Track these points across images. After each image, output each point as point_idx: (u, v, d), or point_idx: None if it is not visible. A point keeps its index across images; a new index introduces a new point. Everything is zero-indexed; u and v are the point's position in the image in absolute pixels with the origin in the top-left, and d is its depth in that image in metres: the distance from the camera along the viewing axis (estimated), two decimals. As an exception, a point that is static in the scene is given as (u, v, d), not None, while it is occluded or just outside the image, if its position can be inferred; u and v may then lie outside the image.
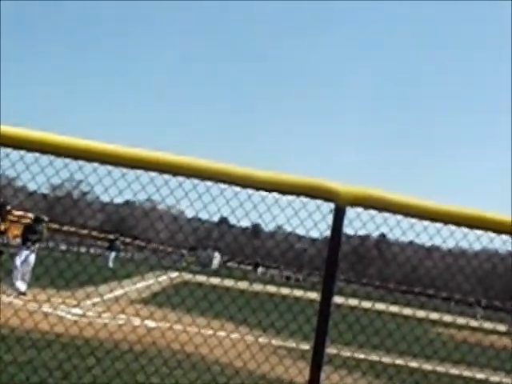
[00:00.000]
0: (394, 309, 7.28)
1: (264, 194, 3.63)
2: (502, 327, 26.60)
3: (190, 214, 4.13)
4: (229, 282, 7.23)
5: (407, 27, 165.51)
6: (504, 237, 4.09)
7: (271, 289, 8.39)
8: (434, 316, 7.48)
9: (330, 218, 3.57)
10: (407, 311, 8.76)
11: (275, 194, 3.63)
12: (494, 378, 9.60)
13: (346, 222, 3.58)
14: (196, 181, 3.69)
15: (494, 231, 3.99)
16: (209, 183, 3.68)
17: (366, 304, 5.18)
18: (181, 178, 3.70)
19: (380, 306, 6.16)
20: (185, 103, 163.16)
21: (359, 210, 3.64)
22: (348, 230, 3.59)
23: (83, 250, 43.52)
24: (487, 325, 24.68)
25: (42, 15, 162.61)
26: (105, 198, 4.22)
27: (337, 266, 3.53)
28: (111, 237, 40.03)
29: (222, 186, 3.63)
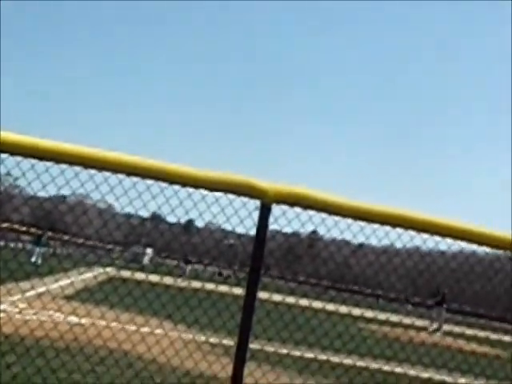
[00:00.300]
0: (319, 305, 7.42)
1: (191, 190, 3.64)
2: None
3: (127, 210, 4.10)
4: (162, 279, 7.19)
5: (407, 26, 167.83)
6: (437, 238, 4.23)
7: (197, 284, 8.39)
8: (357, 312, 7.69)
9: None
10: (332, 307, 8.93)
11: (202, 191, 3.64)
12: (401, 370, 9.92)
13: (272, 218, 3.64)
14: (135, 178, 3.66)
15: (427, 232, 4.13)
16: (149, 181, 3.66)
17: (291, 300, 5.27)
18: (121, 176, 3.66)
19: (305, 302, 6.26)
20: (181, 103, 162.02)
21: (285, 207, 3.70)
22: (274, 226, 3.64)
23: (2, 243, 42.13)
24: (417, 322, 25.41)
25: (41, 14, 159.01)
26: (39, 193, 4.12)
27: (261, 262, 3.57)
28: (39, 232, 38.94)
29: (151, 182, 3.61)
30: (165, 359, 6.63)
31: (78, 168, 3.68)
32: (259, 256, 3.57)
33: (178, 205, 3.63)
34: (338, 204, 3.77)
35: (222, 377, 4.44)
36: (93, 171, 3.69)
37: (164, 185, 3.61)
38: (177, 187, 3.62)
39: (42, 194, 4.13)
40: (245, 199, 3.64)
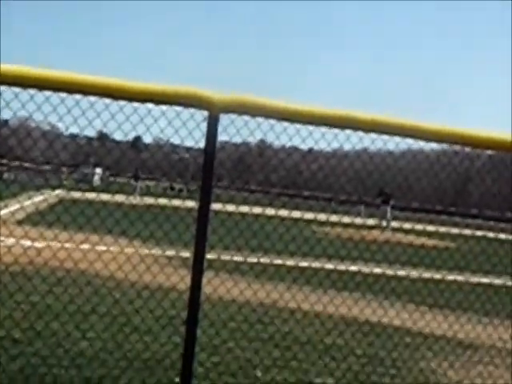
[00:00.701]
0: (272, 212, 7.51)
1: (136, 105, 3.55)
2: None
3: (72, 130, 4.00)
4: (113, 197, 7.13)
5: None
6: (373, 135, 4.25)
7: (150, 200, 8.36)
8: (310, 215, 7.79)
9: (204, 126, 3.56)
10: (285, 213, 9.05)
11: (148, 105, 3.56)
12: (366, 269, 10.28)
13: (221, 129, 3.60)
14: (78, 96, 3.53)
15: (365, 131, 4.14)
16: (92, 99, 3.55)
17: (245, 208, 5.30)
18: (63, 94, 3.53)
19: (258, 210, 6.34)
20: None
21: (233, 116, 3.66)
22: (223, 137, 3.60)
23: None
24: (368, 221, 26.06)
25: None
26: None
27: (212, 172, 3.55)
28: None
29: (95, 99, 3.50)
30: (122, 275, 6.68)
31: (17, 89, 3.53)
32: (210, 166, 3.55)
33: (124, 121, 3.54)
34: (286, 109, 3.74)
35: (181, 288, 4.50)
36: (33, 91, 3.55)
37: (108, 101, 3.51)
38: (122, 102, 3.53)
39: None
40: (192, 111, 3.58)
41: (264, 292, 6.89)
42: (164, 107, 3.57)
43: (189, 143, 3.88)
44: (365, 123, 4.09)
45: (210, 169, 3.54)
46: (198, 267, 3.56)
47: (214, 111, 3.54)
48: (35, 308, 6.49)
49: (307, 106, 3.88)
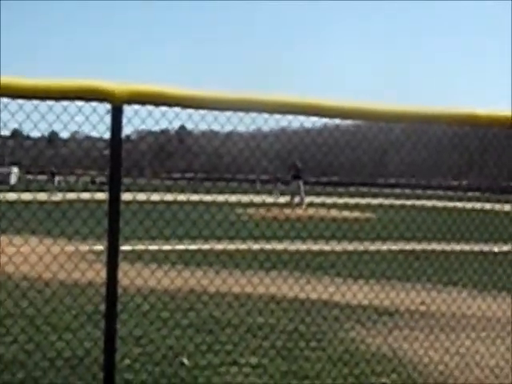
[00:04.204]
0: (196, 197, 7.55)
1: (36, 102, 3.53)
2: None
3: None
4: (29, 196, 7.02)
5: None
6: (289, 117, 4.34)
7: (72, 196, 8.23)
8: (232, 198, 7.91)
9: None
10: (209, 198, 9.11)
11: (49, 102, 3.55)
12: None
13: (125, 120, 3.62)
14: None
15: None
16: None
17: (155, 197, 5.33)
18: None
19: (169, 197, 6.37)
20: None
21: (137, 107, 3.69)
22: (127, 129, 3.63)
23: None
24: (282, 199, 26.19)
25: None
26: None
27: (120, 164, 3.58)
28: None
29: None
30: (50, 274, 6.60)
31: None
32: (117, 157, 3.57)
33: (25, 119, 3.52)
34: (190, 96, 3.80)
35: (99, 282, 4.52)
36: None
37: (5, 100, 3.48)
38: (21, 101, 3.51)
39: None
40: (95, 104, 3.60)
41: (194, 279, 6.95)
42: (66, 103, 3.57)
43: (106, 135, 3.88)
44: (281, 105, 4.17)
45: (118, 160, 3.57)
46: (112, 261, 3.59)
47: (117, 103, 3.56)
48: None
49: (213, 91, 3.93)
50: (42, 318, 6.44)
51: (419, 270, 8.56)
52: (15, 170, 46.55)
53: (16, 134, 5.99)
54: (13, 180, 45.42)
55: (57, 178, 38.47)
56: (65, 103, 3.63)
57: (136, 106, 3.67)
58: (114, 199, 3.59)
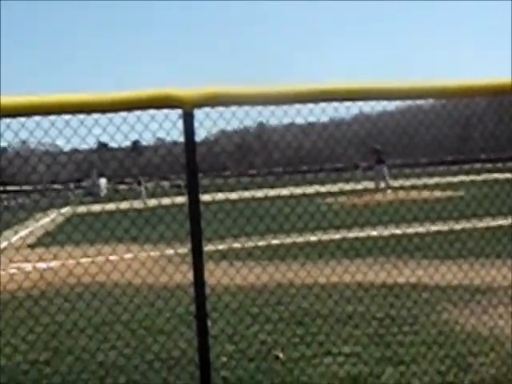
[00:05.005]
0: (273, 192, 7.61)
1: (111, 115, 3.65)
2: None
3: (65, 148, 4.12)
4: (118, 206, 7.23)
5: None
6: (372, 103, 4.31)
7: (155, 202, 8.45)
8: (311, 190, 7.89)
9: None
10: (286, 192, 9.14)
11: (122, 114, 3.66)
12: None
13: (197, 124, 3.69)
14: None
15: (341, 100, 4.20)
16: (66, 117, 3.65)
17: (233, 195, 5.40)
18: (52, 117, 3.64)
19: (256, 194, 6.42)
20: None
21: (207, 110, 3.76)
22: (200, 131, 3.70)
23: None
24: (369, 185, 25.92)
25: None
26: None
27: (196, 168, 3.65)
28: None
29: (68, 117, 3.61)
30: (139, 280, 6.79)
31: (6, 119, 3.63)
32: (192, 161, 3.64)
33: (101, 133, 3.65)
34: (256, 93, 3.83)
35: (185, 284, 4.62)
36: (23, 119, 3.66)
37: (82, 117, 3.62)
38: (96, 115, 3.63)
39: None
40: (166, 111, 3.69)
41: (280, 273, 6.99)
42: (138, 112, 3.67)
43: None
44: (363, 91, 4.15)
45: (194, 164, 3.64)
46: (197, 262, 3.66)
47: (187, 108, 3.63)
48: (62, 327, 6.62)
49: (275, 86, 3.94)
50: (137, 322, 6.63)
51: (508, 246, 8.31)
52: (103, 181, 47.94)
53: (101, 146, 6.18)
54: (103, 192, 46.72)
55: (143, 186, 39.26)
56: (137, 113, 3.73)
57: (207, 109, 3.73)
58: (194, 201, 3.66)
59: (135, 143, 5.69)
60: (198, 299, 3.70)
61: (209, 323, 3.79)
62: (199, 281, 3.66)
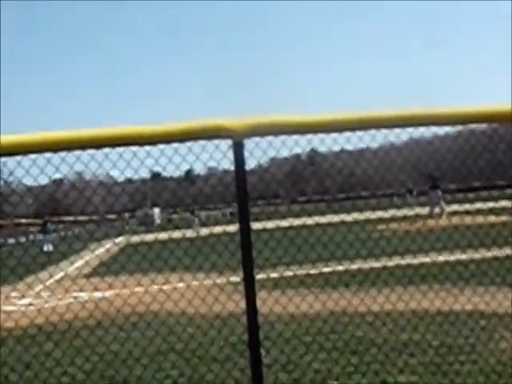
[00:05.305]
0: (323, 220, 7.59)
1: (162, 146, 3.73)
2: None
3: (119, 179, 4.24)
4: (173, 234, 7.33)
5: None
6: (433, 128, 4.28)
7: (207, 231, 8.52)
8: (362, 216, 7.83)
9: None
10: (337, 218, 9.10)
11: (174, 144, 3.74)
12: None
13: (247, 153, 3.74)
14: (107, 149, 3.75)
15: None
16: (120, 149, 3.75)
17: (284, 223, 5.41)
18: (91, 151, 3.75)
19: (310, 221, 6.41)
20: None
21: (257, 139, 3.81)
22: (250, 161, 3.75)
23: (12, 241, 42.01)
24: (422, 211, 25.58)
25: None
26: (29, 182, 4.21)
27: (247, 196, 3.69)
28: (40, 221, 38.90)
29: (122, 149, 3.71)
30: (193, 309, 6.84)
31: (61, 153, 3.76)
32: (243, 190, 3.69)
33: (154, 164, 3.73)
34: (301, 121, 3.86)
35: (238, 312, 4.64)
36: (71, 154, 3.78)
37: (135, 148, 3.71)
38: (148, 147, 3.72)
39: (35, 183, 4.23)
40: (217, 141, 3.75)
41: (332, 301, 6.94)
42: (189, 143, 3.75)
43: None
44: (411, 118, 4.16)
45: (244, 192, 3.68)
46: (249, 291, 3.68)
47: (237, 138, 3.69)
48: (117, 356, 6.71)
49: (329, 114, 3.97)
50: (190, 351, 6.66)
51: None
52: (157, 211, 48.71)
53: (155, 176, 6.30)
54: (157, 221, 47.50)
55: (196, 215, 39.65)
56: (188, 144, 3.81)
57: (257, 139, 3.78)
58: (245, 229, 3.69)
59: (188, 173, 5.78)
60: (250, 328, 3.71)
61: (262, 352, 3.79)
62: (251, 309, 3.67)
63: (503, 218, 16.03)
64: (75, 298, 10.16)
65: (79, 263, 15.30)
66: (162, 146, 3.73)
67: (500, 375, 5.51)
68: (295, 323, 7.57)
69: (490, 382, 5.38)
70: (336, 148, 4.24)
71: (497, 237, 8.38)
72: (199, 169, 3.95)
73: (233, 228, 5.14)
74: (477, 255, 9.58)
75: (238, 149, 3.71)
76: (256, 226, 4.02)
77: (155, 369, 6.39)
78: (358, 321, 7.62)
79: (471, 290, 7.33)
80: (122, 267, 7.33)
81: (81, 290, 8.25)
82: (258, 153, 3.82)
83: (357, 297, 6.92)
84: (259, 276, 3.87)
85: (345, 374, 5.97)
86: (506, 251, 9.95)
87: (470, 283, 8.31)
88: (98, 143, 3.68)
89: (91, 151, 3.76)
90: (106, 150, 3.75)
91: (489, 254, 10.22)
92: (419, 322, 7.21)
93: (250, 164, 3.79)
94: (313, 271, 9.46)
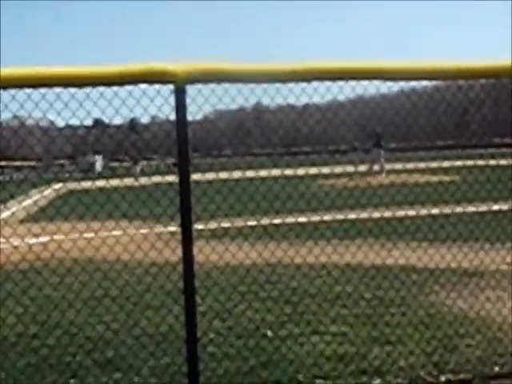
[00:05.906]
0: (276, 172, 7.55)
1: (102, 89, 3.62)
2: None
3: (60, 123, 4.09)
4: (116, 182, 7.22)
5: None
6: (365, 82, 4.25)
7: (148, 181, 8.42)
8: (302, 172, 7.88)
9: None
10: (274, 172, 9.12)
11: (115, 88, 3.62)
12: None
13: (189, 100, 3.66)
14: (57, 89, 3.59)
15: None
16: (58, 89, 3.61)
17: (224, 175, 5.38)
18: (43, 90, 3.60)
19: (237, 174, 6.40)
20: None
21: (200, 86, 3.72)
22: (192, 108, 3.67)
23: None
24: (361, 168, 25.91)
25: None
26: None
27: (187, 145, 3.63)
28: None
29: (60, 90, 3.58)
30: (128, 255, 6.77)
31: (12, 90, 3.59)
32: (184, 138, 3.62)
33: (92, 106, 3.61)
34: (250, 71, 3.79)
35: (174, 260, 4.62)
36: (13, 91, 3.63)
37: (73, 90, 3.58)
38: (88, 89, 3.59)
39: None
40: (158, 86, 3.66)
41: (268, 252, 7.00)
42: (130, 87, 3.64)
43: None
44: (356, 71, 4.11)
45: (185, 141, 3.62)
46: (186, 239, 3.66)
47: (180, 84, 3.60)
48: (49, 300, 6.62)
49: (271, 63, 3.91)
50: (125, 297, 6.63)
51: (498, 230, 8.34)
52: (99, 158, 47.88)
53: (97, 123, 6.14)
54: (98, 169, 46.75)
55: (139, 165, 39.11)
56: (129, 87, 3.70)
57: (200, 85, 3.70)
58: (185, 179, 3.65)
59: (132, 121, 5.66)
60: (186, 275, 3.70)
61: (197, 299, 3.80)
62: (188, 257, 3.66)
63: (441, 177, 16.44)
64: (8, 242, 9.91)
65: (14, 208, 14.96)
66: (101, 89, 3.61)
67: (428, 327, 5.69)
68: (231, 272, 7.62)
69: (418, 334, 5.55)
70: (280, 100, 4.19)
71: (432, 194, 8.57)
72: (144, 119, 3.84)
73: (173, 178, 5.08)
74: (412, 212, 9.79)
75: (180, 94, 3.62)
76: (196, 176, 3.97)
77: (88, 313, 6.34)
78: (293, 272, 7.72)
79: (404, 244, 7.52)
80: (57, 212, 7.16)
81: (14, 234, 8.04)
82: (200, 100, 3.74)
83: (293, 248, 6.97)
84: (197, 226, 3.85)
85: (278, 323, 6.06)
86: (440, 209, 10.19)
87: (404, 238, 8.52)
88: (34, 82, 3.53)
89: (28, 90, 3.61)
90: (43, 90, 3.61)
91: (423, 211, 10.46)
92: (353, 274, 7.35)
93: (195, 114, 3.71)
94: (251, 223, 9.49)
